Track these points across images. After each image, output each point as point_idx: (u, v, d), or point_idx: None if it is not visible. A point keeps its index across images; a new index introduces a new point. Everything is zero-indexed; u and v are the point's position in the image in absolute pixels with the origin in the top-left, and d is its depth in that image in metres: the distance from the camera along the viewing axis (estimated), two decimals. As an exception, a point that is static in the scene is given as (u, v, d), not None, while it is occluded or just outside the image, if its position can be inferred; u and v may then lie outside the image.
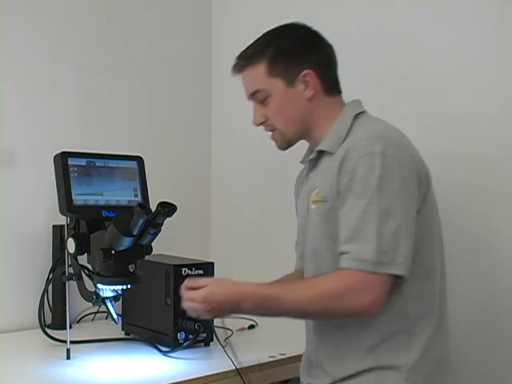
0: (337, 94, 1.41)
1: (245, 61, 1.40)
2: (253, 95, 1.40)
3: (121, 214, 1.47)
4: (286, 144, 1.42)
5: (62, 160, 1.53)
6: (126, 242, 1.44)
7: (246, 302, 1.23)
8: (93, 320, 2.00)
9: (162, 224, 1.46)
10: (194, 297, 1.27)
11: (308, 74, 1.35)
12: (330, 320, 1.29)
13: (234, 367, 1.44)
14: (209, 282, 1.29)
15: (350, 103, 1.39)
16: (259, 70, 1.37)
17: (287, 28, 1.42)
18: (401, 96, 1.85)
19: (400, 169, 1.20)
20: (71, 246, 1.53)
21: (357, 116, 1.34)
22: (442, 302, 1.30)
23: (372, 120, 1.35)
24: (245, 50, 1.42)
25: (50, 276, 1.83)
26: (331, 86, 1.39)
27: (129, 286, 1.52)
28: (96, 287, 1.53)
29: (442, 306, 1.30)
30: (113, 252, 1.46)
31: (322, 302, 1.21)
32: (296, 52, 1.37)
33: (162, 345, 1.64)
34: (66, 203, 1.51)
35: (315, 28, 1.42)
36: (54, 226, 1.88)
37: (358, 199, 1.19)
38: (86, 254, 1.55)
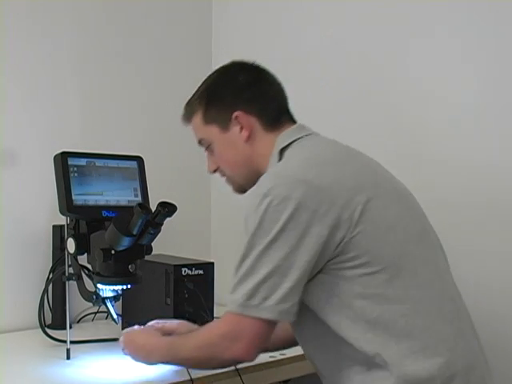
0: (280, 127, 1.33)
1: (186, 112, 1.41)
2: (200, 144, 1.41)
3: (121, 214, 1.47)
4: (239, 189, 1.39)
5: (62, 160, 1.53)
6: (126, 242, 1.44)
7: (153, 356, 1.31)
8: (93, 320, 2.00)
9: (161, 224, 1.46)
10: (123, 332, 1.43)
11: (239, 116, 1.31)
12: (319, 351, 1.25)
13: (234, 367, 1.44)
14: (128, 332, 1.42)
15: (281, 136, 1.31)
16: (197, 120, 1.37)
17: (219, 71, 1.40)
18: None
19: (284, 208, 1.12)
20: (71, 246, 1.53)
21: (282, 151, 1.28)
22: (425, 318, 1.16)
23: (294, 151, 1.27)
24: (188, 101, 1.41)
25: (50, 276, 1.83)
26: (271, 121, 1.32)
27: (129, 286, 1.52)
28: (96, 287, 1.53)
29: (427, 322, 1.15)
30: (113, 252, 1.46)
31: (202, 351, 1.21)
32: (225, 95, 1.34)
33: (162, 345, 1.64)
34: (66, 203, 1.51)
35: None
36: (54, 226, 1.88)
37: (244, 245, 1.16)
38: (86, 254, 1.55)
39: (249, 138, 1.32)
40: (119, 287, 1.52)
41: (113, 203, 1.59)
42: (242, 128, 1.32)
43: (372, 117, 1.93)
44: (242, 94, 1.33)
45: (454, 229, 1.65)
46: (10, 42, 1.88)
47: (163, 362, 1.31)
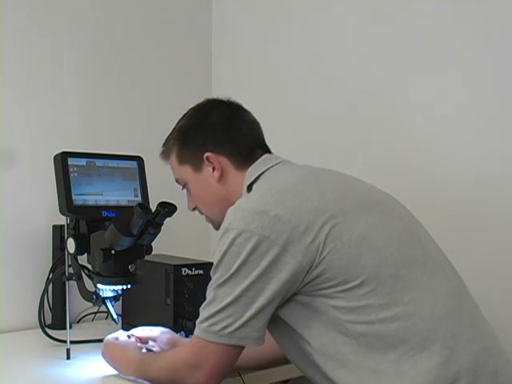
0: (252, 163, 1.33)
1: (162, 152, 1.44)
2: (177, 183, 1.44)
3: (121, 214, 1.47)
4: (218, 226, 1.37)
5: (62, 160, 1.53)
6: (126, 242, 1.44)
7: (128, 370, 1.34)
8: (93, 320, 2.00)
9: (161, 224, 1.46)
10: (106, 338, 1.46)
11: (210, 157, 1.33)
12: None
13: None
14: (109, 341, 1.45)
15: (248, 172, 1.32)
16: (173, 159, 1.40)
17: (193, 110, 1.41)
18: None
19: (244, 241, 1.13)
20: (71, 246, 1.53)
21: (250, 186, 1.29)
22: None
23: (259, 185, 1.28)
24: (164, 141, 1.44)
25: (50, 276, 1.83)
26: (242, 159, 1.34)
27: (129, 286, 1.52)
28: (96, 287, 1.53)
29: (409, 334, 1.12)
30: (113, 252, 1.46)
31: (167, 374, 1.24)
32: (196, 136, 1.36)
33: (162, 345, 1.64)
34: (66, 203, 1.51)
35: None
36: (54, 226, 1.88)
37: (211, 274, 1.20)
38: (86, 254, 1.55)
39: (221, 178, 1.34)
40: (119, 287, 1.52)
41: (113, 203, 1.59)
42: (214, 168, 1.34)
43: (362, 124, 1.95)
44: (212, 135, 1.34)
45: (442, 239, 1.62)
46: (9, 41, 1.87)
47: (136, 377, 1.33)
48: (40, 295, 1.71)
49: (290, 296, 1.17)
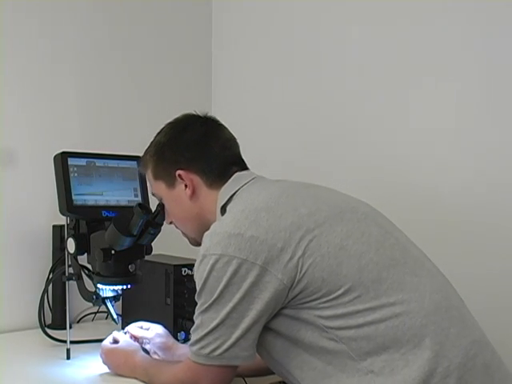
0: (225, 182, 1.33)
1: (141, 165, 1.45)
2: (154, 197, 1.44)
3: (121, 214, 1.47)
4: (194, 242, 1.41)
5: (62, 160, 1.53)
6: (126, 242, 1.44)
7: (133, 375, 1.37)
8: (93, 320, 2.00)
9: (161, 224, 1.46)
10: (103, 344, 1.47)
11: (181, 174, 1.33)
12: None
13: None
14: (107, 347, 1.46)
15: (220, 192, 1.32)
16: (149, 174, 1.41)
17: (169, 126, 1.41)
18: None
19: (223, 266, 1.14)
20: (71, 246, 1.53)
21: (223, 208, 1.29)
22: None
23: (232, 205, 1.27)
24: (142, 154, 1.44)
25: (50, 276, 1.83)
26: (214, 178, 1.33)
27: (129, 286, 1.52)
28: (96, 287, 1.53)
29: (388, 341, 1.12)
30: (113, 252, 1.46)
31: None
32: (169, 153, 1.36)
33: (162, 345, 1.64)
34: (65, 203, 1.51)
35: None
36: (54, 226, 1.88)
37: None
38: (86, 254, 1.55)
39: (193, 196, 1.34)
40: (119, 287, 1.52)
41: (113, 203, 1.59)
42: (185, 186, 1.34)
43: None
44: (185, 153, 1.34)
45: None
46: (9, 41, 1.88)
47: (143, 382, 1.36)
48: (40, 295, 1.71)
49: (277, 311, 1.18)
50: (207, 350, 1.16)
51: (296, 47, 2.14)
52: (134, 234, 1.43)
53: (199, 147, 1.35)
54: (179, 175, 1.34)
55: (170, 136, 1.38)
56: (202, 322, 1.17)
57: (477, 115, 1.69)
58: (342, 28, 2.00)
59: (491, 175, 1.67)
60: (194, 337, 1.19)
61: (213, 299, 1.15)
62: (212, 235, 1.18)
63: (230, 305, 1.14)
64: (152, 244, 1.53)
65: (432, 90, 1.78)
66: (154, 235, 1.47)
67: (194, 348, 1.18)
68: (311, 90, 2.09)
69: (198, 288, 1.19)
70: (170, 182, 1.36)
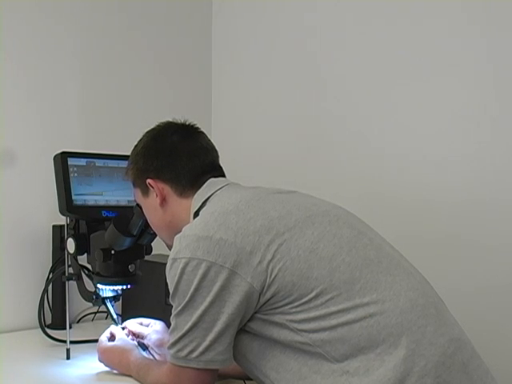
0: (197, 190, 1.33)
1: (125, 172, 1.46)
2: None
3: (121, 214, 1.47)
4: (170, 248, 1.40)
5: (62, 160, 1.53)
6: (126, 242, 1.44)
7: (129, 373, 1.39)
8: (93, 320, 2.00)
9: (161, 224, 1.46)
10: (100, 340, 1.48)
11: (150, 183, 1.34)
12: None
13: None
14: (103, 345, 1.47)
15: (193, 200, 1.32)
16: (130, 181, 1.42)
17: (146, 134, 1.41)
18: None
19: (193, 269, 1.15)
20: (71, 246, 1.53)
21: (196, 214, 1.29)
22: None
23: (205, 210, 1.27)
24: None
25: (50, 276, 1.84)
26: (184, 187, 1.33)
27: (128, 286, 1.52)
28: (96, 287, 1.53)
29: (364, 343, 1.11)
30: (112, 252, 1.46)
31: None
32: (141, 161, 1.37)
33: (162, 345, 1.64)
34: (65, 203, 1.51)
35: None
36: (53, 226, 1.88)
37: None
38: (85, 254, 1.56)
39: (163, 204, 1.35)
40: (119, 287, 1.52)
41: (113, 203, 1.59)
42: (156, 194, 1.35)
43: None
44: (154, 162, 1.35)
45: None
46: (9, 41, 1.88)
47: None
48: (40, 295, 1.71)
49: (251, 316, 1.18)
50: (184, 352, 1.17)
51: (296, 49, 2.14)
52: (134, 234, 1.43)
53: (168, 157, 1.35)
54: (149, 183, 1.35)
55: (144, 144, 1.39)
56: (177, 324, 1.18)
57: (477, 115, 1.69)
58: (339, 32, 2.00)
59: (491, 175, 1.66)
60: (171, 339, 1.20)
61: (185, 302, 1.16)
62: (181, 238, 1.19)
63: (202, 308, 1.15)
64: (152, 244, 1.53)
65: (430, 92, 1.78)
66: (154, 235, 1.47)
67: (172, 351, 1.19)
68: (311, 92, 2.09)
69: (170, 291, 1.20)
70: (145, 191, 1.37)
